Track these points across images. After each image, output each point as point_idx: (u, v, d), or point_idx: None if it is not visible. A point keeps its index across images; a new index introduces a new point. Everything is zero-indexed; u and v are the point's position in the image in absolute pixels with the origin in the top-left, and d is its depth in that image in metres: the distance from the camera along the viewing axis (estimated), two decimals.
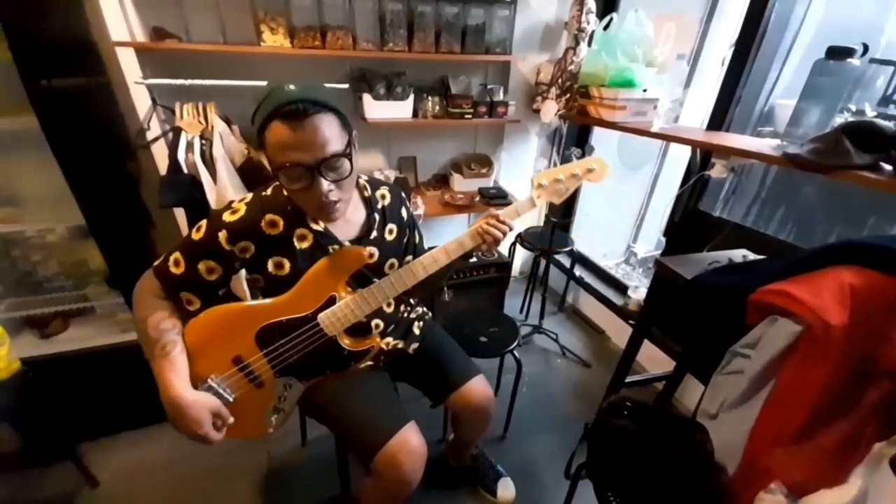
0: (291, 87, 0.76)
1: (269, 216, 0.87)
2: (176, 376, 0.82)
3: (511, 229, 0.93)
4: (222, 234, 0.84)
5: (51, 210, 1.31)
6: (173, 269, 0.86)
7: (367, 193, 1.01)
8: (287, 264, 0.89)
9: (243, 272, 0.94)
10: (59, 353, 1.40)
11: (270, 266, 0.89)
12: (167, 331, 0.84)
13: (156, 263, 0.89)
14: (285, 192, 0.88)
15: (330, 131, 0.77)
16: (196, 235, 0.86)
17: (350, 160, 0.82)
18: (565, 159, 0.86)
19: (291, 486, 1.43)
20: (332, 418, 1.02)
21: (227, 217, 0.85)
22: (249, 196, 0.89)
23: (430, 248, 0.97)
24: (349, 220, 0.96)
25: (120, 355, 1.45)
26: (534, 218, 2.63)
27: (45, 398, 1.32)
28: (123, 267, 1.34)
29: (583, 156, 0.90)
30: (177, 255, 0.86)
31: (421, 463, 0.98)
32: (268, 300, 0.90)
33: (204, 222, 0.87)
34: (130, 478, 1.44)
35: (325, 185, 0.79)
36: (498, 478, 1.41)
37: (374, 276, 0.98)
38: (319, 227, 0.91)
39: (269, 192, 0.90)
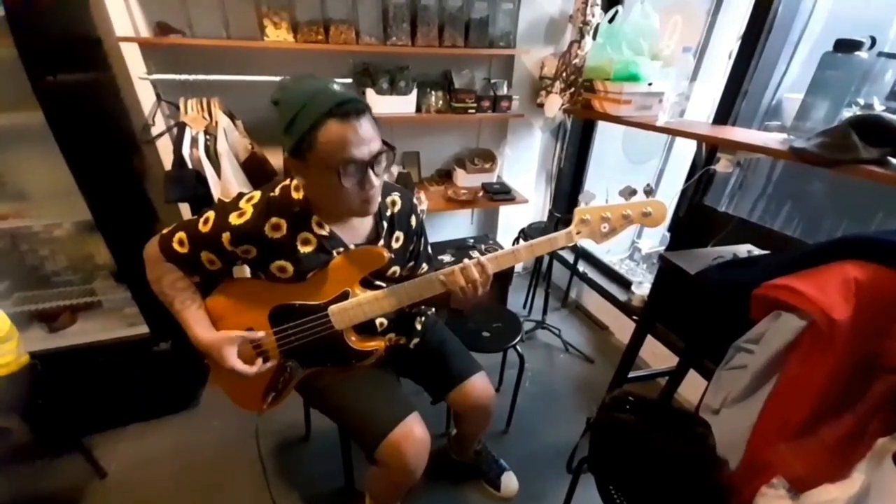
0: (335, 87, 0.77)
1: (273, 220, 0.86)
2: (196, 324, 0.92)
3: (486, 279, 0.86)
4: (226, 236, 0.85)
5: (58, 205, 1.32)
6: (177, 248, 0.89)
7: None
8: (290, 268, 0.89)
9: (247, 267, 0.95)
10: (67, 346, 1.42)
11: (273, 269, 0.90)
12: (182, 289, 0.93)
13: (163, 233, 0.91)
14: (296, 195, 0.87)
15: (374, 128, 0.80)
16: (203, 227, 0.87)
17: (392, 149, 0.84)
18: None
19: (296, 479, 1.44)
20: (333, 407, 1.03)
21: (234, 220, 0.85)
22: (257, 196, 0.88)
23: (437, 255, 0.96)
24: (356, 225, 0.95)
25: (127, 349, 1.47)
26: (537, 213, 2.63)
27: (53, 391, 1.33)
28: (130, 262, 1.35)
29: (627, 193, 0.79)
30: (182, 235, 0.88)
31: (425, 452, 0.98)
32: (288, 283, 0.92)
33: (212, 215, 0.87)
34: (138, 469, 1.46)
35: (375, 179, 0.81)
36: (501, 472, 1.42)
37: (376, 280, 0.98)
38: (325, 231, 0.90)
39: (276, 192, 0.89)
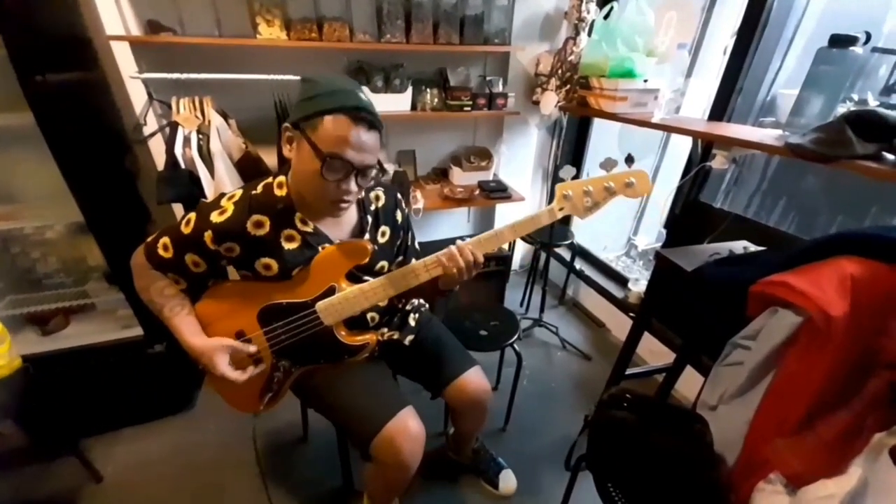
0: (363, 97, 0.81)
1: (255, 217, 0.86)
2: (186, 331, 0.91)
3: (477, 263, 0.87)
4: (208, 234, 0.85)
5: (49, 207, 1.30)
6: (162, 253, 0.89)
7: (361, 195, 0.99)
8: (275, 265, 0.89)
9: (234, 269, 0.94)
10: (60, 349, 1.41)
11: (258, 267, 0.90)
12: (171, 296, 0.93)
13: (147, 241, 0.92)
14: (279, 192, 0.88)
15: (377, 145, 0.84)
16: (185, 229, 0.87)
17: (381, 169, 0.88)
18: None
19: (294, 479, 1.44)
20: (328, 405, 1.03)
21: (215, 217, 0.85)
22: (239, 194, 0.88)
23: (423, 249, 0.96)
24: (340, 221, 0.96)
25: (121, 351, 1.45)
26: (533, 211, 2.62)
27: (47, 395, 1.32)
28: (123, 263, 1.32)
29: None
30: (166, 240, 0.89)
31: (420, 447, 0.98)
32: (273, 282, 0.92)
33: (193, 216, 0.87)
34: (134, 472, 1.45)
35: (353, 185, 0.83)
36: (499, 470, 1.42)
37: (364, 275, 0.98)
38: (308, 227, 0.91)
39: (259, 189, 0.89)
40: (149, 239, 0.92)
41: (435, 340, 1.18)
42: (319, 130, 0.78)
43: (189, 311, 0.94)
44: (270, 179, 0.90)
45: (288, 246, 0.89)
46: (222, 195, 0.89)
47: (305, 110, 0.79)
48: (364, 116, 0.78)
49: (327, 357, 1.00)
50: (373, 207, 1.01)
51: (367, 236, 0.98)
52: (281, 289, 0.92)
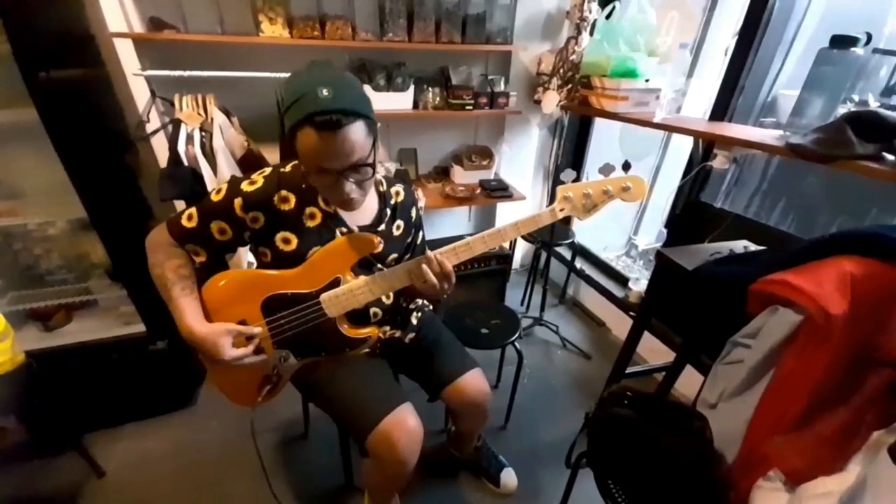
0: (325, 91, 0.73)
1: (283, 192, 0.89)
2: (191, 315, 0.89)
3: (447, 277, 0.88)
4: (238, 201, 0.87)
5: (52, 203, 1.31)
6: (186, 223, 0.91)
7: (383, 188, 1.04)
8: (294, 240, 0.91)
9: (243, 253, 0.95)
10: (62, 345, 1.41)
11: (278, 240, 0.91)
12: (185, 277, 0.91)
13: (170, 217, 0.93)
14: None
15: (357, 139, 0.78)
16: (215, 197, 0.89)
17: (373, 167, 0.85)
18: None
19: (295, 476, 1.44)
20: (327, 399, 1.04)
21: (245, 187, 0.88)
22: (269, 170, 0.92)
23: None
24: (362, 207, 0.97)
25: (123, 347, 1.46)
26: (534, 210, 2.63)
27: (50, 390, 1.33)
28: (125, 260, 1.35)
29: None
30: (192, 211, 0.91)
31: (417, 442, 0.98)
32: (278, 271, 0.93)
33: (224, 186, 0.90)
34: (136, 468, 1.46)
35: (349, 186, 0.83)
36: (500, 468, 1.42)
37: (377, 264, 1.00)
38: (330, 208, 0.93)
39: (287, 168, 0.92)
40: (170, 217, 0.93)
41: (435, 341, 1.18)
42: (298, 143, 0.78)
43: (197, 297, 0.93)
44: (298, 161, 0.91)
45: (309, 224, 0.92)
46: (252, 172, 0.93)
47: (287, 123, 0.78)
48: (327, 121, 0.73)
49: (329, 349, 1.01)
50: (392, 202, 1.05)
51: (383, 226, 1.01)
52: (286, 279, 0.93)
